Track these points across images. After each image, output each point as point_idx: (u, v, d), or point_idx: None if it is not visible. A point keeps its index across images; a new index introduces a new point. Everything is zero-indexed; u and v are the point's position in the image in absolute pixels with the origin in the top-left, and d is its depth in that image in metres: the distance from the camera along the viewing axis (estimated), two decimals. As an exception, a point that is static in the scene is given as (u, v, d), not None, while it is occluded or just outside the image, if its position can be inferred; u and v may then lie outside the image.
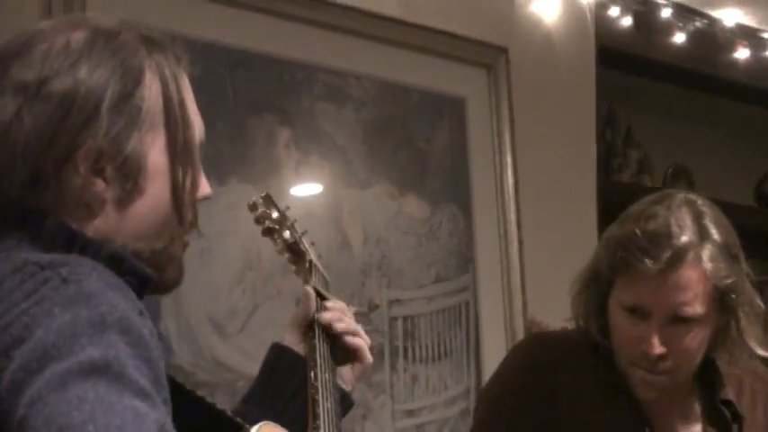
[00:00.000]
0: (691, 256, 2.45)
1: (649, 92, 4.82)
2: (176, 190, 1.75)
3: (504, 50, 4.07)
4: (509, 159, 4.03)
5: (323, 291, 2.14)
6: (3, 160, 1.66)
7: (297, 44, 3.61)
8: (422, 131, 3.91)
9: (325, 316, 2.10)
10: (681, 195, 2.56)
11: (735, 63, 4.80)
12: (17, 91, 1.66)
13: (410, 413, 3.67)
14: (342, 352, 2.12)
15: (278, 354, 2.14)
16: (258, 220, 2.16)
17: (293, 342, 2.13)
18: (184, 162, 1.76)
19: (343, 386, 2.11)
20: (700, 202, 2.54)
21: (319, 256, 2.23)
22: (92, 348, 1.43)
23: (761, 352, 2.60)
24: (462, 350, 3.80)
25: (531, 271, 3.87)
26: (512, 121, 4.05)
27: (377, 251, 3.77)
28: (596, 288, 2.56)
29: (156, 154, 1.72)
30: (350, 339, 2.12)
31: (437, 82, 3.95)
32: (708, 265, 2.47)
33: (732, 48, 4.79)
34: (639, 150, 4.77)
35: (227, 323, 3.30)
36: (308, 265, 2.18)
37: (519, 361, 2.69)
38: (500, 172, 4.03)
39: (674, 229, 2.46)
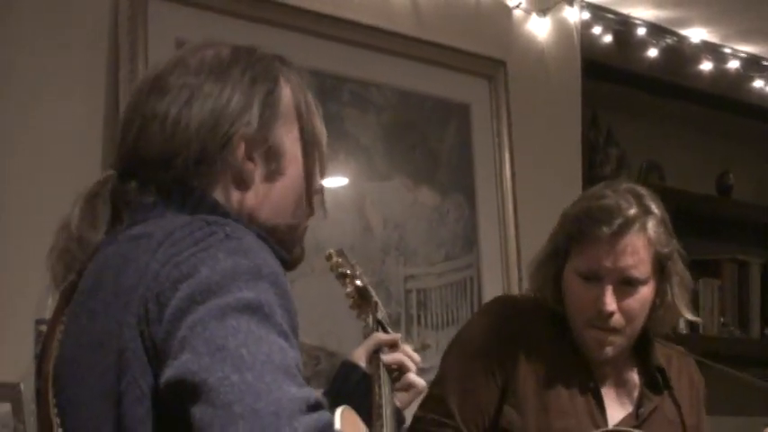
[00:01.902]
0: (637, 225, 2.50)
1: (627, 98, 4.82)
2: (308, 175, 1.77)
3: (503, 63, 4.08)
4: (507, 156, 4.04)
5: (388, 327, 2.19)
6: (177, 142, 1.68)
7: (326, 58, 3.62)
8: (433, 132, 3.92)
9: (388, 359, 2.12)
10: (624, 184, 2.62)
11: (700, 74, 4.81)
12: (181, 89, 1.70)
13: (422, 371, 3.67)
14: (398, 380, 2.15)
15: (349, 369, 2.14)
16: (332, 268, 2.22)
17: (360, 360, 2.14)
18: (313, 152, 1.78)
19: (398, 404, 2.13)
20: (639, 187, 2.60)
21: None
22: (248, 291, 1.47)
23: (689, 315, 2.63)
24: (466, 318, 3.80)
25: (526, 251, 3.87)
26: (510, 123, 4.05)
27: (395, 234, 3.78)
28: (552, 264, 2.59)
29: (291, 142, 1.74)
30: (409, 376, 2.15)
31: (446, 90, 3.95)
32: (651, 233, 2.51)
33: (698, 61, 4.79)
34: (618, 148, 4.77)
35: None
36: (373, 304, 2.22)
37: (482, 324, 2.68)
38: (500, 167, 4.03)
39: (622, 203, 2.52)
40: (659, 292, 2.57)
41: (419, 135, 3.87)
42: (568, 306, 2.57)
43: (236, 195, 1.70)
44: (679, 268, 2.58)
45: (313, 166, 1.78)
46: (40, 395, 1.67)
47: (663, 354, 2.67)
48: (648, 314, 2.57)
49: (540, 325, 2.62)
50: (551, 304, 2.60)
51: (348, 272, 2.22)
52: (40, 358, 1.70)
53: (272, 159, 1.72)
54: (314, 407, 1.39)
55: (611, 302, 2.50)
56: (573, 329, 2.57)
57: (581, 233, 2.51)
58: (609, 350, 2.55)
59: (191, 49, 1.79)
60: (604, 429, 2.55)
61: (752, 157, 5.40)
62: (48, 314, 1.96)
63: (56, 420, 1.62)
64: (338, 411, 1.73)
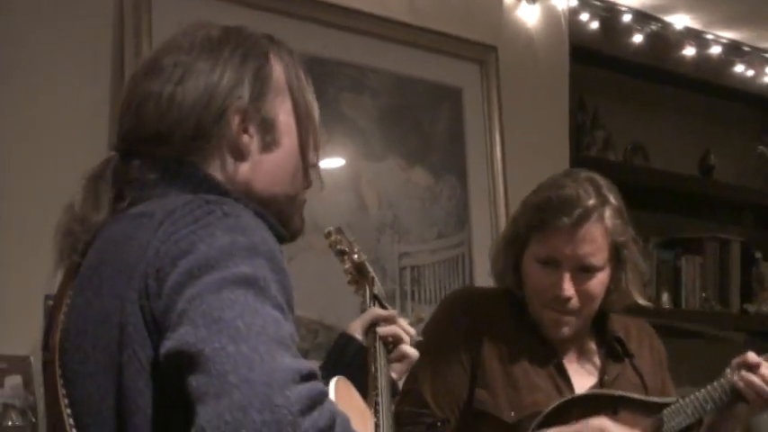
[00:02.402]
0: (595, 215, 2.52)
1: (613, 82, 4.83)
2: (302, 146, 1.77)
3: (494, 49, 4.08)
4: (498, 138, 4.04)
5: (384, 302, 2.21)
6: (173, 118, 1.70)
7: (325, 45, 3.62)
8: (427, 115, 3.92)
9: (384, 331, 2.14)
10: (583, 173, 2.62)
11: (683, 59, 4.81)
12: (175, 67, 1.71)
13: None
14: (392, 351, 2.17)
15: (347, 341, 2.17)
16: (331, 245, 2.25)
17: (356, 332, 2.17)
18: (306, 125, 1.78)
19: (394, 376, 2.15)
20: (598, 177, 2.60)
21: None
22: (244, 266, 1.47)
23: (640, 300, 2.65)
24: (459, 294, 3.82)
25: (516, 229, 3.89)
26: (500, 106, 4.05)
27: (389, 213, 3.79)
28: (512, 250, 2.61)
29: (285, 115, 1.75)
30: (403, 347, 2.17)
31: (439, 75, 3.96)
32: (608, 222, 2.53)
33: (681, 46, 4.80)
34: (604, 130, 4.77)
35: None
36: (370, 280, 2.25)
37: (445, 317, 2.70)
38: (490, 148, 4.04)
39: (582, 193, 2.53)
40: (614, 278, 2.59)
41: (413, 118, 3.87)
42: (527, 289, 2.60)
43: (233, 168, 1.71)
44: (634, 255, 2.60)
45: (307, 138, 1.79)
46: (47, 367, 1.68)
47: (620, 325, 2.71)
48: (603, 297, 2.59)
49: (500, 310, 2.65)
50: (512, 288, 2.62)
51: (346, 249, 2.24)
52: (47, 332, 1.70)
53: (267, 131, 1.73)
54: (307, 377, 1.39)
55: (568, 288, 2.53)
56: (531, 312, 2.60)
57: (542, 222, 2.52)
58: (566, 330, 2.59)
59: (182, 31, 1.79)
60: (572, 395, 2.58)
61: (733, 138, 5.40)
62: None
63: (61, 391, 1.63)
64: (333, 381, 1.72)
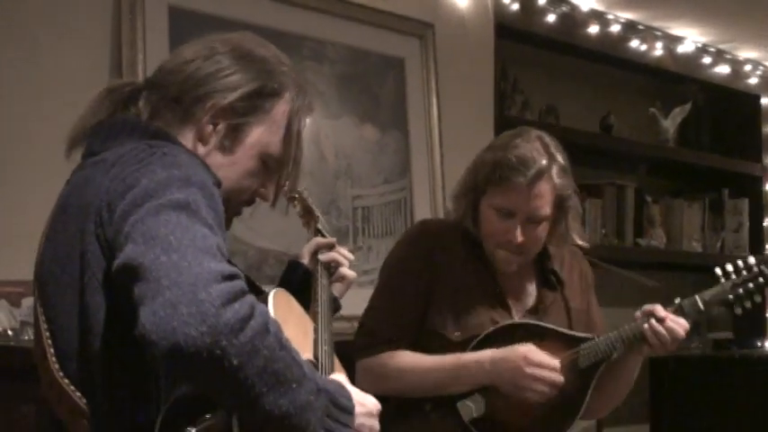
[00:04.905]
0: (546, 174, 2.50)
1: (530, 55, 4.84)
2: (252, 173, 1.75)
3: (431, 26, 4.07)
4: (434, 100, 4.04)
5: (326, 233, 2.21)
6: (174, 76, 1.72)
7: (290, 21, 3.60)
8: (375, 81, 3.91)
9: (324, 257, 2.13)
10: (533, 131, 2.59)
11: (588, 35, 4.82)
12: (210, 50, 1.74)
13: (365, 272, 3.70)
14: (334, 274, 2.16)
15: (295, 266, 2.16)
16: (284, 194, 2.22)
17: (303, 258, 2.16)
18: (273, 171, 1.77)
19: (335, 294, 2.14)
20: (547, 137, 2.58)
21: (322, 212, 2.31)
22: (179, 193, 1.49)
23: (579, 242, 2.66)
24: (401, 229, 3.83)
25: (449, 176, 3.90)
26: (436, 74, 4.05)
27: (344, 162, 3.79)
28: (472, 195, 2.58)
29: (255, 142, 1.73)
30: (342, 269, 2.15)
31: (386, 47, 3.95)
32: (556, 180, 2.52)
33: (586, 25, 4.80)
34: (522, 95, 4.78)
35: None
36: (315, 217, 2.25)
37: (404, 249, 2.67)
38: (428, 109, 4.03)
39: (535, 154, 2.50)
40: (557, 224, 2.59)
41: (364, 83, 3.86)
42: (483, 231, 2.58)
43: (192, 144, 1.71)
44: (574, 204, 2.59)
45: (267, 180, 1.77)
46: (33, 289, 1.71)
47: (557, 256, 2.69)
48: (547, 239, 2.60)
49: (453, 243, 2.62)
50: (469, 227, 2.61)
51: (296, 195, 2.25)
52: (36, 261, 1.72)
53: (228, 137, 1.71)
54: (228, 277, 1.41)
55: (519, 235, 2.52)
56: (485, 248, 2.59)
57: (501, 179, 2.49)
58: (514, 266, 2.59)
59: (249, 37, 1.82)
60: (508, 322, 2.59)
61: (629, 102, 5.43)
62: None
63: (39, 309, 1.66)
64: (272, 291, 1.70)
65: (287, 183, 1.80)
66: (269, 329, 1.42)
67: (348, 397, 1.57)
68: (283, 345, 1.44)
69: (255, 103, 1.72)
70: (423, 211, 3.92)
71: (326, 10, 3.73)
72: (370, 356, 2.56)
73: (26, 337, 2.68)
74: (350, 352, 2.47)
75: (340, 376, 1.76)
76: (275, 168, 1.76)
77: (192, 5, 3.30)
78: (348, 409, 1.55)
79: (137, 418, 1.54)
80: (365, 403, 1.65)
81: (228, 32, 1.81)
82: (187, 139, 1.70)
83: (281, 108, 1.74)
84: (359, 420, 1.59)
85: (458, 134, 4.08)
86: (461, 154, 3.91)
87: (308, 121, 1.80)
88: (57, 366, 1.61)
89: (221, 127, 1.71)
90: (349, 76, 3.81)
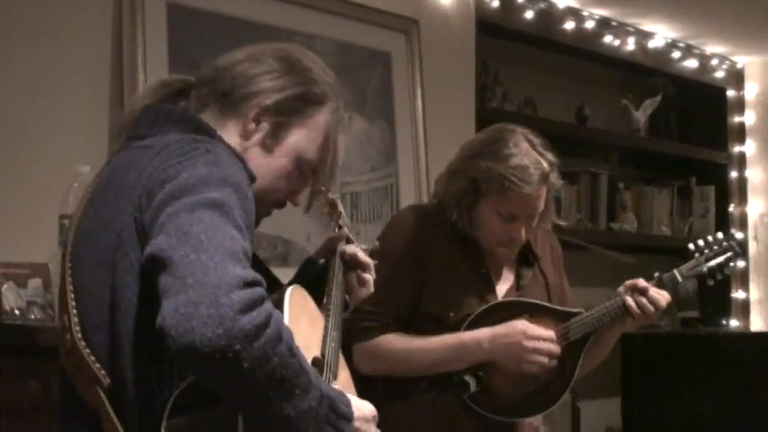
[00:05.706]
0: (547, 181, 2.53)
1: (510, 49, 4.83)
2: (287, 175, 1.75)
3: (416, 22, 4.07)
4: (419, 93, 4.03)
5: (350, 234, 2.10)
6: (225, 73, 1.73)
7: (281, 16, 3.58)
8: (363, 74, 3.90)
9: (350, 249, 2.04)
10: (516, 132, 2.57)
11: (564, 31, 4.83)
12: (261, 53, 1.76)
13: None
14: (353, 278, 2.04)
15: (310, 263, 2.12)
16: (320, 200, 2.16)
17: (319, 258, 2.11)
18: (306, 170, 1.77)
19: (358, 295, 2.05)
20: (528, 133, 2.57)
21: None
22: (215, 193, 1.49)
23: (557, 221, 2.70)
24: (388, 215, 3.83)
25: (433, 164, 3.91)
26: (421, 68, 4.04)
27: (334, 151, 3.77)
28: (468, 200, 2.56)
29: (293, 144, 1.73)
30: (362, 274, 2.04)
31: (373, 42, 3.93)
32: (553, 180, 2.55)
33: (563, 21, 4.81)
34: (502, 87, 4.78)
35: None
36: (340, 213, 2.18)
37: (395, 235, 2.66)
38: (413, 100, 4.02)
39: (534, 162, 2.51)
40: (543, 213, 2.62)
41: (352, 76, 3.85)
42: (484, 232, 2.58)
43: (235, 139, 1.71)
44: (551, 194, 2.63)
45: (295, 175, 1.76)
46: (62, 259, 1.70)
47: (531, 234, 2.71)
48: None
49: (441, 227, 2.63)
50: (454, 219, 2.59)
51: (331, 202, 2.19)
52: (68, 230, 1.73)
53: (270, 136, 1.72)
54: (250, 284, 1.41)
55: (524, 235, 2.56)
56: (484, 246, 2.60)
57: (507, 189, 2.49)
58: (513, 256, 2.65)
59: (301, 48, 1.84)
60: (498, 300, 2.60)
61: (602, 94, 5.44)
62: (69, 210, 1.94)
63: (68, 279, 1.65)
64: (289, 288, 1.70)
65: (322, 190, 1.82)
66: (282, 338, 1.42)
67: (347, 404, 1.57)
68: (293, 353, 1.45)
69: (299, 106, 1.73)
70: (408, 197, 3.92)
71: (316, 6, 3.71)
72: (366, 340, 2.56)
73: (32, 317, 2.67)
74: (345, 336, 2.43)
75: (342, 374, 1.78)
76: (309, 174, 1.77)
77: (189, 2, 3.29)
78: (347, 416, 1.56)
79: (164, 393, 1.54)
80: (362, 410, 1.65)
81: (280, 42, 1.84)
82: (230, 133, 1.71)
83: (322, 117, 1.75)
84: (356, 425, 1.60)
85: (441, 124, 4.08)
86: (444, 143, 3.92)
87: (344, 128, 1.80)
88: (79, 336, 1.61)
89: (264, 125, 1.72)
90: (337, 70, 3.74)
